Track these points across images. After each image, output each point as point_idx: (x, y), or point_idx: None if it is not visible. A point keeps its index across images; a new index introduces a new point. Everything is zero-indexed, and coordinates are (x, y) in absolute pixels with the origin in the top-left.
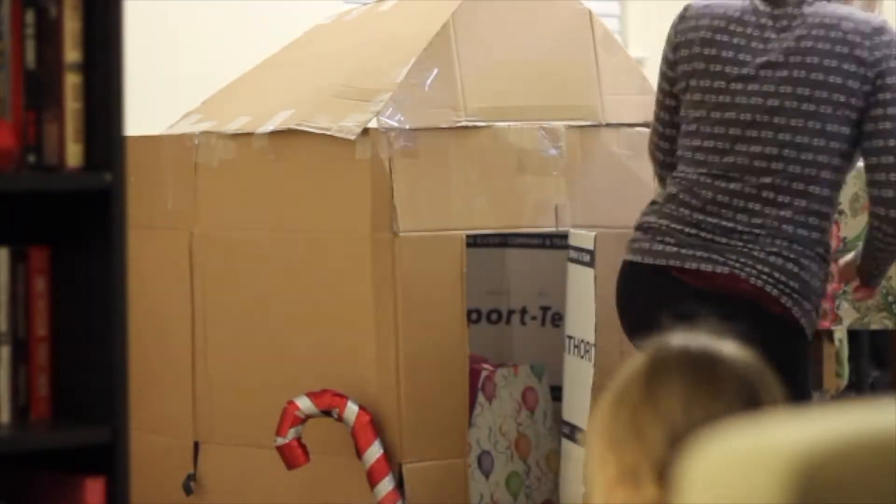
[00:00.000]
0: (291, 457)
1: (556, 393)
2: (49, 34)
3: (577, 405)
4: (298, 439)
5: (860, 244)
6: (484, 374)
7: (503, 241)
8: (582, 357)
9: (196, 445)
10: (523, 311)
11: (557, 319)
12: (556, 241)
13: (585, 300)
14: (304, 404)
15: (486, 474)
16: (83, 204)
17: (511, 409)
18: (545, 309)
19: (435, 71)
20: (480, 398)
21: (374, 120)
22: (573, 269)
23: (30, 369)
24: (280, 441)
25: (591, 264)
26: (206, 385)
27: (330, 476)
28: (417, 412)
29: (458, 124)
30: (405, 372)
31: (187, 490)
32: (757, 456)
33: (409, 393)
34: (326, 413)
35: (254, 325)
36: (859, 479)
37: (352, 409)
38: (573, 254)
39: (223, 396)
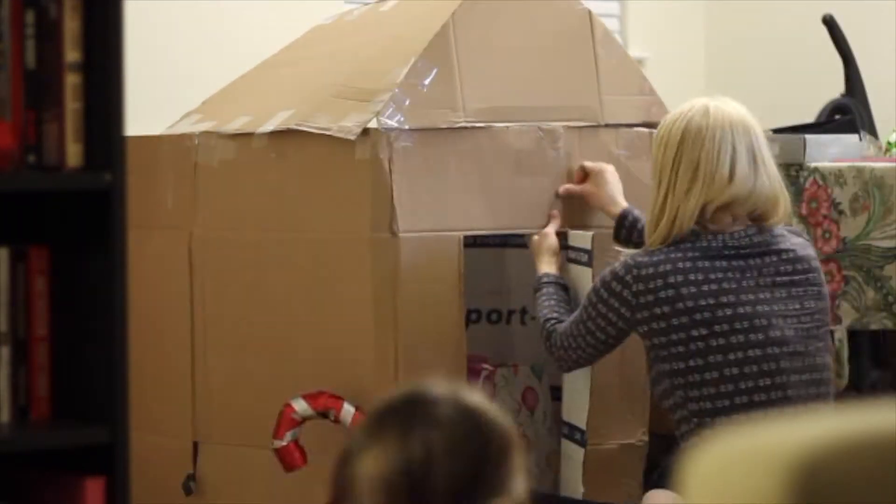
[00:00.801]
0: (289, 459)
1: (556, 393)
2: (49, 34)
3: (577, 405)
4: (296, 442)
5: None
6: (484, 374)
7: (503, 241)
8: None
9: (195, 445)
10: (523, 311)
11: None
12: None
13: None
14: (301, 406)
15: None
16: (83, 204)
17: (511, 409)
18: None
19: (434, 71)
20: None
21: (374, 120)
22: (572, 269)
23: (30, 369)
24: (277, 444)
25: (589, 264)
26: (205, 385)
27: (329, 476)
28: None
29: (458, 125)
30: (404, 372)
31: (187, 490)
32: (757, 456)
33: None
34: (323, 415)
35: (253, 325)
36: (859, 479)
37: (348, 411)
38: (572, 254)
39: (223, 396)
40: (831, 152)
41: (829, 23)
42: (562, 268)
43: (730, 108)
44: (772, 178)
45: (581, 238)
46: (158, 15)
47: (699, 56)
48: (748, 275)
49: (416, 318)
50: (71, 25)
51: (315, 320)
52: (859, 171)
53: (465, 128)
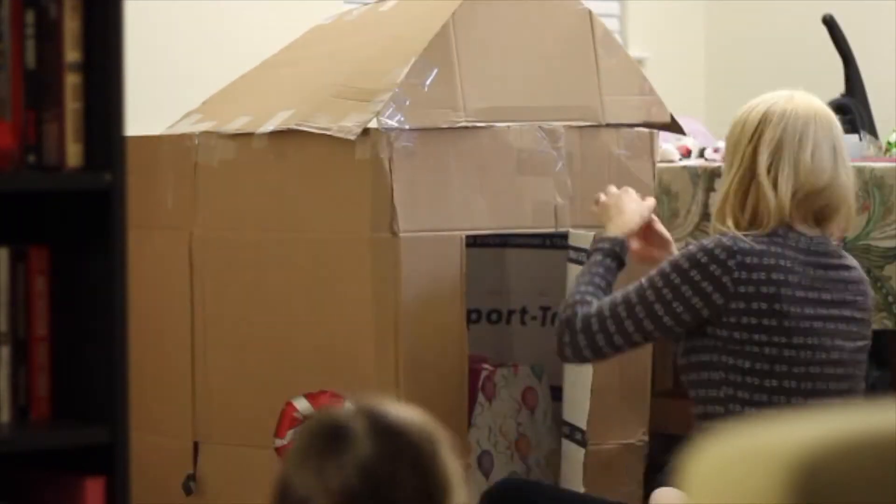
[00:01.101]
0: None
1: (556, 393)
2: (49, 34)
3: (577, 405)
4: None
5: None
6: (484, 374)
7: (503, 241)
8: None
9: (196, 445)
10: (523, 311)
11: None
12: (556, 241)
13: None
14: (302, 405)
15: (486, 474)
16: (83, 204)
17: (511, 409)
18: (545, 309)
19: (435, 71)
20: (480, 398)
21: (374, 120)
22: (573, 269)
23: (30, 369)
24: (279, 443)
25: None
26: (205, 385)
27: None
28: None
29: (458, 125)
30: (404, 372)
31: (187, 490)
32: (757, 456)
33: (409, 394)
34: None
35: (253, 325)
36: (859, 479)
37: None
38: (573, 254)
39: (223, 396)
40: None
41: (829, 23)
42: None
43: (813, 99)
44: (849, 176)
45: (581, 238)
46: (158, 15)
47: (699, 56)
48: (828, 286)
49: (417, 318)
50: (71, 25)
51: (315, 320)
52: (859, 171)
53: (466, 127)
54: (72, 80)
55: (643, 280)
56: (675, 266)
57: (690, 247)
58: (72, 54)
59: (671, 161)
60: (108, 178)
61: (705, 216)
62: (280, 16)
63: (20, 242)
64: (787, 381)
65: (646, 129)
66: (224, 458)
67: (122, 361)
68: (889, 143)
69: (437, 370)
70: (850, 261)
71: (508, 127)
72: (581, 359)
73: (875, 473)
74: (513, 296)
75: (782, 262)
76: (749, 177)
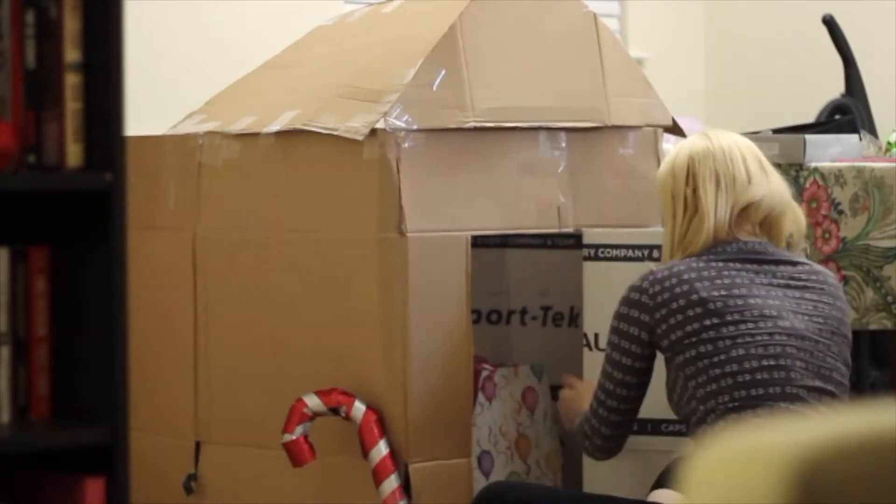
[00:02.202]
0: (298, 454)
1: (556, 393)
2: (49, 34)
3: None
4: (305, 437)
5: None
6: (484, 374)
7: (503, 241)
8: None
9: (198, 445)
10: (523, 312)
11: (558, 319)
12: (556, 241)
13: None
14: (313, 402)
15: (487, 474)
16: (83, 204)
17: (511, 409)
18: (546, 309)
19: (443, 72)
20: (480, 398)
21: (382, 121)
22: (589, 267)
23: (30, 369)
24: (287, 438)
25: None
26: (208, 385)
27: (332, 476)
28: (424, 412)
29: (466, 125)
30: (412, 372)
31: (188, 490)
32: (757, 456)
33: (416, 393)
34: (334, 411)
35: (257, 325)
36: (859, 479)
37: (359, 408)
38: (588, 252)
39: (225, 396)
40: (831, 152)
41: (829, 23)
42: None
43: (725, 132)
44: (781, 184)
45: (598, 235)
46: (159, 15)
47: (699, 56)
48: (761, 276)
49: (425, 317)
50: (71, 25)
51: (322, 320)
52: (859, 171)
53: (473, 128)
54: (72, 80)
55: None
56: (615, 314)
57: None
58: (72, 54)
59: None
60: (108, 178)
61: None
62: (281, 16)
63: (20, 242)
64: (734, 351)
65: (650, 129)
66: (226, 458)
67: (122, 361)
68: (889, 143)
69: (444, 370)
70: (802, 261)
71: (516, 127)
72: (618, 434)
73: (875, 474)
74: (513, 296)
75: (693, 265)
76: (693, 216)
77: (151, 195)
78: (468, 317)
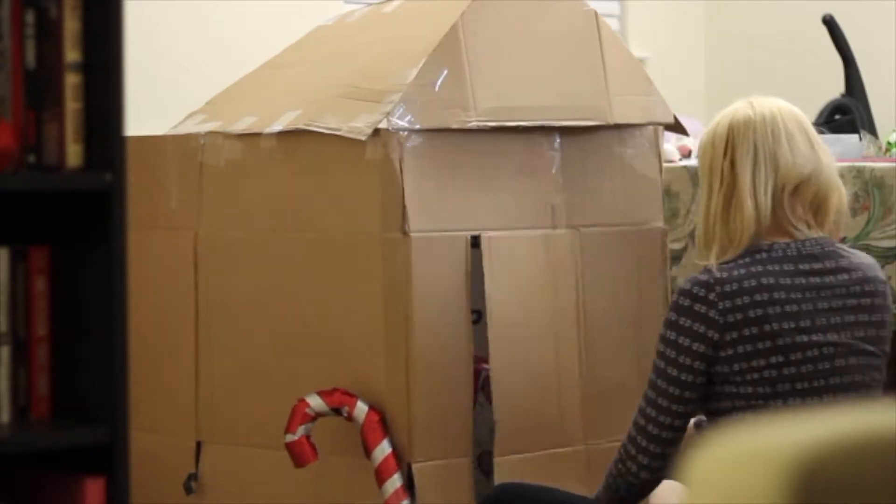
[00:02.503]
0: (300, 454)
1: None
2: (49, 34)
3: None
4: (308, 437)
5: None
6: (484, 374)
7: None
8: None
9: (198, 445)
10: None
11: None
12: None
13: None
14: (315, 402)
15: (487, 474)
16: (83, 204)
17: None
18: None
19: (445, 72)
20: (480, 398)
21: (384, 121)
22: None
23: (30, 369)
24: (290, 438)
25: None
26: (209, 385)
27: (333, 476)
28: (426, 412)
29: (469, 125)
30: (415, 372)
31: (188, 490)
32: (757, 456)
33: (419, 393)
34: (336, 411)
35: (259, 326)
36: (859, 479)
37: (361, 409)
38: None
39: (226, 397)
40: (831, 152)
41: (829, 23)
42: None
43: (773, 99)
44: (831, 161)
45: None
46: (159, 15)
47: (699, 56)
48: (823, 294)
49: (428, 317)
50: (71, 25)
51: (324, 321)
52: (859, 171)
53: (476, 128)
54: (72, 80)
55: (655, 355)
56: (666, 323)
57: (673, 297)
58: (72, 54)
59: (671, 161)
60: (108, 178)
61: None
62: (281, 16)
63: (20, 242)
64: (792, 399)
65: (652, 128)
66: (226, 458)
67: (122, 361)
68: (889, 143)
69: (447, 370)
70: (853, 260)
71: (519, 126)
72: (662, 457)
73: (875, 474)
74: None
75: (764, 281)
76: (731, 193)
77: (152, 195)
78: (468, 317)
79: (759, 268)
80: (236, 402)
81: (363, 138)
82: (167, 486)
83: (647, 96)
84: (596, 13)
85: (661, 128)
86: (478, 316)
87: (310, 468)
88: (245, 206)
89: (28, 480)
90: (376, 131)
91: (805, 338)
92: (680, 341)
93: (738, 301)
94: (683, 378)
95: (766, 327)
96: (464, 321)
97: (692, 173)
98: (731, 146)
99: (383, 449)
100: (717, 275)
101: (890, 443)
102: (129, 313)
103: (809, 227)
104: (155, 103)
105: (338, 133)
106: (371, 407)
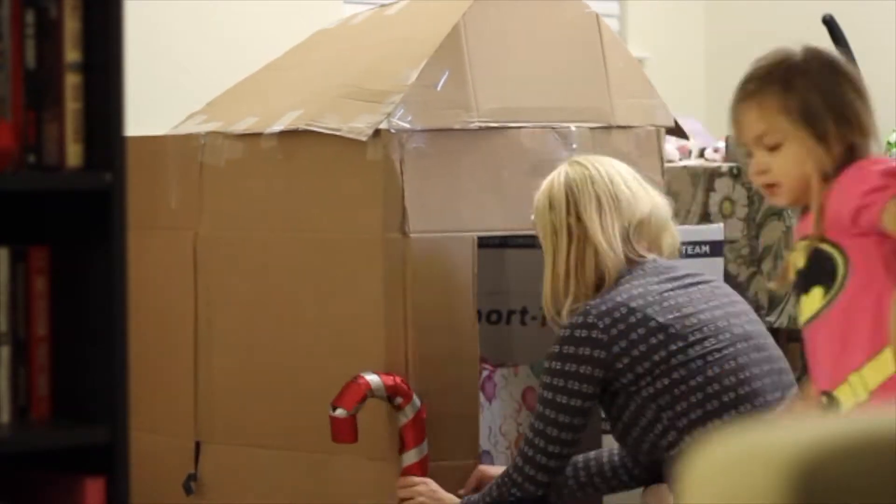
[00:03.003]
0: (347, 433)
1: None
2: (49, 34)
3: None
4: (355, 416)
5: None
6: (484, 374)
7: (503, 241)
8: None
9: (198, 445)
10: (523, 312)
11: None
12: None
13: None
14: (375, 383)
15: None
16: (83, 204)
17: (511, 409)
18: None
19: (447, 72)
20: (481, 398)
21: (385, 121)
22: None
23: (30, 369)
24: (341, 413)
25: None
26: (208, 385)
27: (332, 476)
28: (428, 413)
29: (471, 126)
30: (416, 373)
31: (188, 490)
32: (757, 456)
33: (420, 394)
34: (390, 399)
35: (259, 326)
36: (859, 479)
37: (414, 405)
38: (690, 249)
39: (226, 397)
40: None
41: (829, 23)
42: None
43: (597, 156)
44: (663, 200)
45: (704, 232)
46: (159, 15)
47: (699, 56)
48: (690, 289)
49: (428, 318)
50: (71, 25)
51: (325, 321)
52: None
53: (477, 129)
54: (72, 80)
55: (539, 388)
56: (550, 356)
57: (554, 344)
58: (72, 54)
59: (671, 161)
60: (108, 178)
61: (705, 216)
62: (281, 16)
63: (20, 242)
64: (710, 370)
65: (653, 128)
66: (226, 458)
67: (122, 361)
68: (889, 143)
69: (448, 370)
70: (693, 270)
71: (520, 128)
72: (553, 475)
73: (875, 474)
74: (513, 296)
75: (635, 292)
76: (583, 245)
77: (152, 195)
78: (474, 318)
79: (626, 285)
80: (236, 402)
81: (364, 139)
82: (167, 486)
83: (647, 99)
84: (597, 16)
85: (662, 129)
86: (478, 316)
87: (310, 467)
88: (245, 206)
89: (28, 480)
90: (377, 132)
91: (694, 319)
92: (567, 368)
93: (616, 314)
94: (574, 403)
95: (652, 323)
96: (469, 322)
97: (692, 173)
98: (572, 202)
99: (422, 450)
100: (587, 306)
101: (890, 443)
102: (129, 313)
103: (651, 253)
104: (155, 103)
105: (338, 133)
106: (423, 404)
